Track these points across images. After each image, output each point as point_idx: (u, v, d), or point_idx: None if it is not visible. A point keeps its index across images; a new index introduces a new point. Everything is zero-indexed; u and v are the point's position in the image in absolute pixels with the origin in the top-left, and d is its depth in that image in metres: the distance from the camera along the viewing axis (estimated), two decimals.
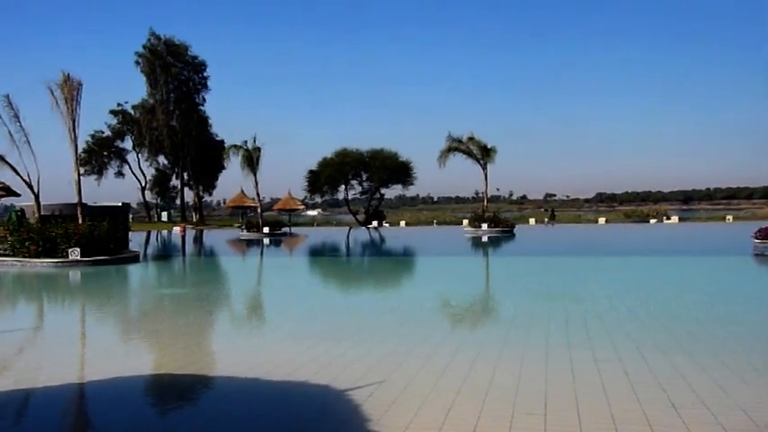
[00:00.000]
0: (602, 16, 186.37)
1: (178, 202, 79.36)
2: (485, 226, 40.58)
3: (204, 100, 75.49)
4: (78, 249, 20.83)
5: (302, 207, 70.24)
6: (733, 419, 4.87)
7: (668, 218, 57.71)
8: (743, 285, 15.29)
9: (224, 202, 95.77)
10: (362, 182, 62.11)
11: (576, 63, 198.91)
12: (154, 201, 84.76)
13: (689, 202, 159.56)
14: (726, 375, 6.28)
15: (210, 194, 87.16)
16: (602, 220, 58.94)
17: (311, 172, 61.69)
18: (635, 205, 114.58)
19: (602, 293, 13.13)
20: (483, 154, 42.92)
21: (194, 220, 73.00)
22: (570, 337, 8.55)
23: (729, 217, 56.36)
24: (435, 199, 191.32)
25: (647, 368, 6.58)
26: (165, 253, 33.85)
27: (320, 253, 31.68)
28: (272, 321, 11.62)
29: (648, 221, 57.00)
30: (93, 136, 74.86)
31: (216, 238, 46.72)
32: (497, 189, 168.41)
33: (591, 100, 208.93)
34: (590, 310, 10.73)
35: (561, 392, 5.72)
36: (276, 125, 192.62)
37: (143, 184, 79.19)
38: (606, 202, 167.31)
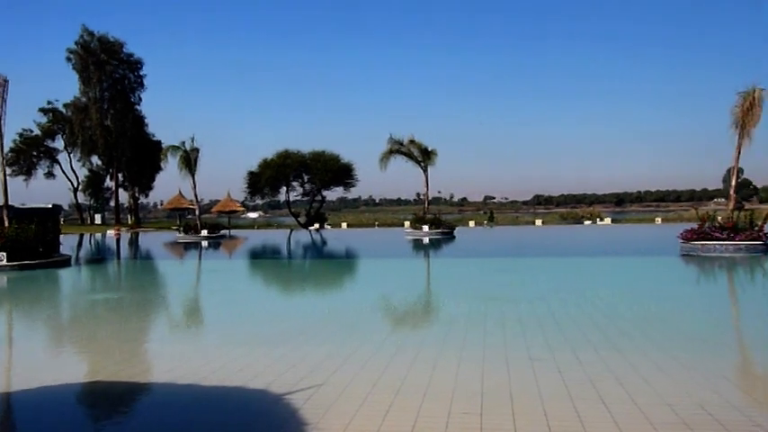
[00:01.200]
0: (538, 21, 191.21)
1: (112, 203, 76.92)
2: (426, 228, 40.95)
3: (140, 99, 73.56)
4: (4, 254, 19.93)
5: (242, 209, 69.12)
6: (659, 413, 5.06)
7: (602, 219, 59.65)
8: (669, 284, 15.94)
9: (161, 204, 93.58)
10: (304, 184, 61.64)
11: (514, 66, 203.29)
12: (87, 203, 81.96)
13: (621, 204, 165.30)
14: (653, 371, 6.53)
15: (147, 196, 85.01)
16: (538, 222, 60.40)
17: (251, 173, 60.79)
18: (570, 207, 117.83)
19: (538, 294, 13.44)
20: (424, 156, 43.28)
21: (130, 222, 70.91)
22: (506, 336, 8.73)
23: (658, 219, 58.75)
24: (377, 201, 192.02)
25: (579, 365, 6.78)
26: (99, 256, 32.77)
27: (260, 255, 31.31)
28: (209, 326, 11.40)
29: (583, 223, 58.77)
30: (21, 135, 71.89)
31: (152, 240, 45.52)
32: (438, 191, 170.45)
33: (529, 104, 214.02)
34: (526, 310, 10.97)
35: (497, 391, 5.83)
36: (216, 126, 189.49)
37: (75, 186, 76.51)
38: (543, 204, 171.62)
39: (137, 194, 76.65)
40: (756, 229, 22.38)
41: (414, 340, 9.14)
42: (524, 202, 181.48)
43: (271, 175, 59.08)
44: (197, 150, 41.74)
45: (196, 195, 43.38)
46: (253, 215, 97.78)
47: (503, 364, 6.93)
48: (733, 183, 25.98)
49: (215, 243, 39.66)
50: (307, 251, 34.93)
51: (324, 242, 41.32)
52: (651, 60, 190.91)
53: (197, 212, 44.61)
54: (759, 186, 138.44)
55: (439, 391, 5.83)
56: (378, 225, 63.39)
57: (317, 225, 58.02)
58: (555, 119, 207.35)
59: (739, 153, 23.97)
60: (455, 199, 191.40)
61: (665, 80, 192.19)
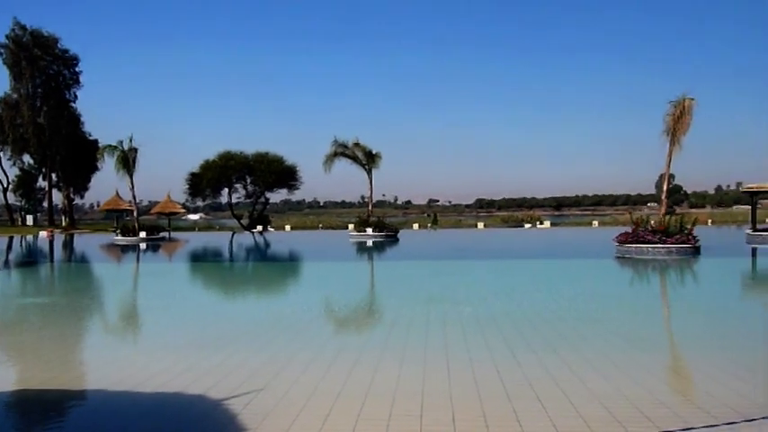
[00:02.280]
0: (478, 26, 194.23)
1: (46, 204, 74.00)
2: (370, 230, 41.03)
3: (76, 96, 71.06)
4: None
5: (183, 211, 67.52)
6: (592, 411, 5.22)
7: (541, 223, 61.03)
8: (604, 286, 16.46)
9: (97, 206, 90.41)
10: (247, 185, 60.77)
11: (457, 71, 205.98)
12: (18, 203, 78.56)
13: (560, 208, 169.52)
14: (587, 370, 6.73)
15: (82, 197, 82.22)
16: (480, 225, 61.33)
17: (193, 174, 59.51)
18: (511, 211, 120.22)
19: (479, 296, 13.67)
20: (368, 159, 43.34)
21: (64, 224, 68.37)
22: (448, 338, 8.84)
23: (595, 222, 60.59)
24: (322, 203, 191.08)
25: (517, 366, 6.92)
26: (30, 259, 31.48)
27: (201, 258, 30.71)
28: (146, 331, 11.11)
29: (523, 226, 60.03)
30: None
31: (88, 243, 44.07)
32: (383, 194, 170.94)
33: (471, 108, 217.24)
34: (467, 312, 11.13)
35: (437, 392, 5.89)
36: (157, 126, 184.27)
37: (5, 185, 73.21)
38: (485, 207, 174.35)
39: (71, 195, 73.95)
40: (686, 232, 23.37)
41: (356, 343, 9.15)
42: (467, 206, 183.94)
43: (213, 177, 58.01)
44: (135, 150, 40.62)
45: (134, 196, 42.26)
46: (194, 217, 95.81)
47: (443, 366, 7.01)
48: (665, 188, 27.03)
49: (154, 245, 38.67)
50: (249, 254, 34.48)
51: (267, 245, 40.86)
52: (589, 68, 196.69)
53: (135, 214, 43.42)
54: (689, 192, 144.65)
55: (380, 394, 5.85)
56: (322, 228, 63.11)
57: (260, 227, 57.29)
58: (496, 124, 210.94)
59: (670, 159, 24.93)
60: (399, 202, 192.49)
61: (603, 87, 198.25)
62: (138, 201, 43.17)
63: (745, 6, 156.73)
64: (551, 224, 60.26)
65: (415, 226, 61.15)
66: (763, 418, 4.92)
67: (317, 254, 32.76)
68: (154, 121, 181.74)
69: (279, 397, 5.82)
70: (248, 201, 63.05)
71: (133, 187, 41.20)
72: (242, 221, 61.97)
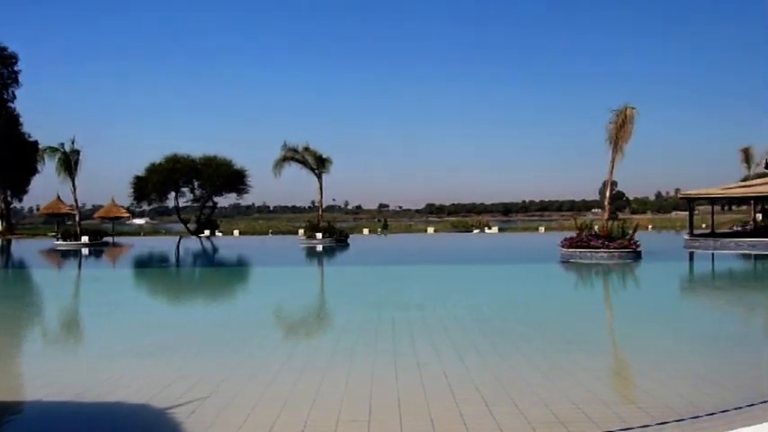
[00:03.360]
0: (428, 32, 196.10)
1: None
2: (320, 236, 40.86)
3: (14, 96, 68.41)
4: None
5: (127, 215, 65.89)
6: (537, 413, 5.30)
7: (489, 228, 61.91)
8: (549, 290, 16.80)
9: (37, 209, 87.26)
10: (194, 189, 59.65)
11: (407, 77, 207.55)
12: None
13: (508, 213, 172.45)
14: (532, 373, 6.85)
15: (21, 200, 78.89)
16: (430, 230, 61.81)
17: (138, 178, 58.07)
18: (461, 216, 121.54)
19: (428, 300, 13.76)
20: (318, 164, 43.23)
21: (1, 228, 65.72)
22: (396, 343, 8.85)
23: (541, 228, 61.81)
24: (271, 208, 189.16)
25: (464, 369, 7.00)
26: None
27: (146, 264, 29.98)
28: (88, 339, 10.78)
29: (472, 231, 60.77)
30: None
31: (26, 248, 42.47)
32: (333, 199, 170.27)
33: (421, 114, 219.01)
34: (416, 317, 11.19)
35: (385, 397, 5.89)
36: (100, 128, 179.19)
37: None
38: (435, 213, 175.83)
39: (9, 198, 71.10)
40: (628, 237, 24.10)
41: (304, 349, 9.09)
42: (417, 211, 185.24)
43: (159, 180, 56.74)
44: (77, 152, 39.47)
45: (76, 200, 41.03)
46: (139, 221, 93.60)
47: (391, 370, 7.02)
48: (607, 194, 27.84)
49: (97, 251, 37.58)
50: (196, 259, 33.85)
51: (214, 250, 40.23)
52: (536, 76, 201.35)
53: (77, 218, 42.12)
54: (631, 198, 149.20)
55: (327, 400, 5.82)
56: (272, 233, 62.47)
57: (207, 232, 56.35)
58: (447, 130, 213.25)
59: (613, 167, 25.69)
60: (350, 207, 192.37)
61: (549, 95, 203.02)
62: (80, 204, 42.02)
63: (684, 21, 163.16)
64: (499, 229, 61.24)
65: (366, 231, 61.21)
66: (693, 418, 5.10)
67: (266, 259, 32.43)
68: (97, 122, 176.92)
69: (224, 405, 5.72)
70: (196, 205, 61.94)
71: (75, 190, 40.05)
72: (189, 226, 60.80)
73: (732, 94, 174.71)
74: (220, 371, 7.15)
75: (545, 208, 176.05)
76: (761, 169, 41.87)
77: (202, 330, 10.66)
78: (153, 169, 57.10)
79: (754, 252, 26.36)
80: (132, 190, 58.64)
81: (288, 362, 7.68)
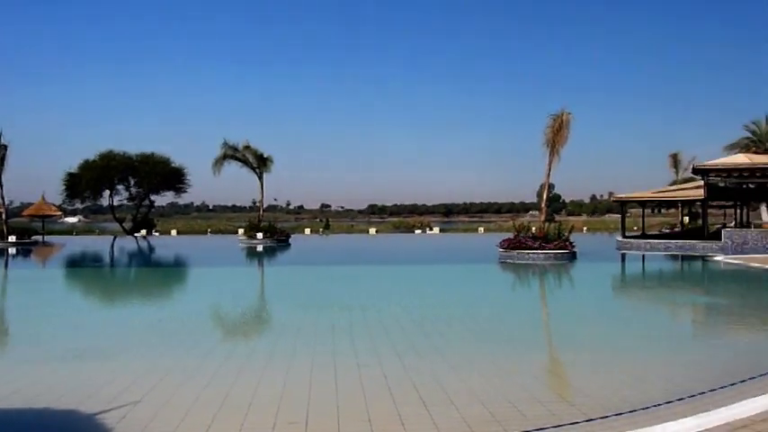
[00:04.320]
0: (370, 32, 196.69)
1: None
2: (260, 235, 40.37)
3: None
4: None
5: (59, 213, 63.23)
6: (474, 413, 5.37)
7: (431, 229, 62.59)
8: (488, 290, 17.09)
9: None
10: (130, 187, 57.87)
11: (349, 76, 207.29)
12: None
13: (449, 214, 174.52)
14: (470, 372, 6.95)
15: None
16: (372, 231, 61.96)
17: (70, 175, 55.88)
18: (403, 217, 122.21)
19: (369, 301, 13.78)
20: (259, 163, 42.69)
21: None
22: (336, 344, 8.82)
23: (481, 229, 62.93)
24: (211, 207, 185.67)
25: (403, 370, 7.02)
26: None
27: (77, 264, 28.92)
28: (12, 343, 10.31)
29: (414, 232, 61.24)
30: None
31: None
32: (275, 199, 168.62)
33: (363, 114, 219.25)
34: (356, 317, 11.19)
35: (323, 399, 5.86)
36: (30, 123, 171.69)
37: None
38: (378, 213, 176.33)
39: None
40: (564, 238, 24.77)
41: (242, 351, 8.94)
42: (360, 211, 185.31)
43: (92, 178, 54.72)
44: (5, 147, 37.75)
45: (3, 197, 39.22)
46: (72, 220, 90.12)
47: (331, 372, 6.98)
48: (545, 197, 28.52)
49: (25, 250, 36.03)
50: (131, 259, 32.89)
51: (151, 249, 39.19)
52: (476, 79, 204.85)
53: (4, 216, 40.24)
54: (567, 200, 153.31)
55: (265, 402, 5.73)
56: (211, 232, 61.35)
57: (143, 231, 54.84)
58: (389, 131, 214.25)
59: (550, 170, 26.36)
60: (292, 207, 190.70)
61: (489, 99, 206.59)
62: (7, 202, 40.20)
63: (621, 30, 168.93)
64: (440, 230, 61.97)
65: (308, 231, 60.90)
66: (617, 414, 5.27)
67: (204, 259, 31.80)
68: (27, 117, 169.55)
69: (157, 409, 5.56)
70: (132, 203, 60.09)
71: (2, 187, 38.29)
72: (125, 225, 58.96)
73: (662, 101, 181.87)
74: (154, 374, 6.95)
75: (485, 209, 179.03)
76: (688, 174, 43.72)
77: (136, 332, 10.34)
78: (87, 166, 55.04)
79: (681, 253, 27.52)
80: (64, 187, 56.39)
81: (225, 364, 7.54)
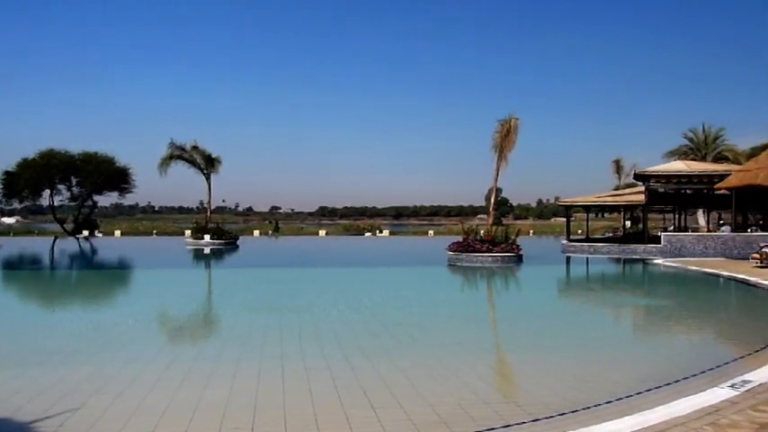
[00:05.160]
0: (319, 35, 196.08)
1: None
2: (207, 237, 39.70)
3: None
4: None
5: None
6: (422, 415, 5.39)
7: (381, 231, 62.78)
8: (436, 292, 17.24)
9: None
10: (72, 187, 55.96)
11: (299, 79, 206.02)
12: None
13: (399, 217, 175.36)
14: (419, 375, 6.97)
15: None
16: (322, 233, 61.75)
17: (8, 173, 53.71)
18: (353, 219, 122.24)
19: (318, 303, 13.69)
20: (207, 163, 41.96)
21: None
22: (284, 347, 8.74)
23: (431, 232, 63.46)
24: (157, 208, 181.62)
25: (351, 373, 7.00)
26: None
27: (14, 266, 27.82)
28: None
29: (364, 234, 61.30)
30: None
31: None
32: (223, 200, 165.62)
33: (314, 116, 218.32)
34: (305, 321, 11.11)
35: (270, 403, 5.79)
36: None
37: None
38: (328, 215, 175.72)
39: None
40: (511, 242, 25.18)
41: (187, 355, 8.74)
42: (310, 214, 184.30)
43: (32, 177, 52.66)
44: None
45: None
46: (9, 220, 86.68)
47: (278, 375, 6.91)
48: (492, 200, 28.92)
49: None
50: (73, 261, 31.84)
51: (93, 251, 38.04)
52: (424, 84, 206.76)
53: None
54: (515, 204, 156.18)
55: (210, 408, 5.62)
56: (156, 234, 59.99)
57: (86, 233, 53.17)
58: (339, 133, 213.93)
59: (498, 174, 26.76)
60: (240, 208, 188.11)
61: (439, 103, 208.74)
62: None
63: (568, 36, 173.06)
64: (390, 233, 62.21)
65: (256, 233, 60.22)
66: (561, 414, 5.38)
67: (150, 261, 31.06)
68: None
69: (97, 417, 5.39)
70: (73, 204, 58.16)
71: None
72: (66, 226, 57.02)
73: (607, 108, 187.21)
74: (94, 380, 6.74)
75: (435, 213, 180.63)
76: (630, 180, 45.13)
77: (76, 337, 9.99)
78: (25, 165, 52.95)
79: (623, 256, 28.35)
80: (1, 187, 54.16)
81: (169, 369, 7.36)
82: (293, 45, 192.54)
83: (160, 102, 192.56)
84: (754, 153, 39.57)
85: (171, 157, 41.56)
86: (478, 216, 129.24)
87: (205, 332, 11.07)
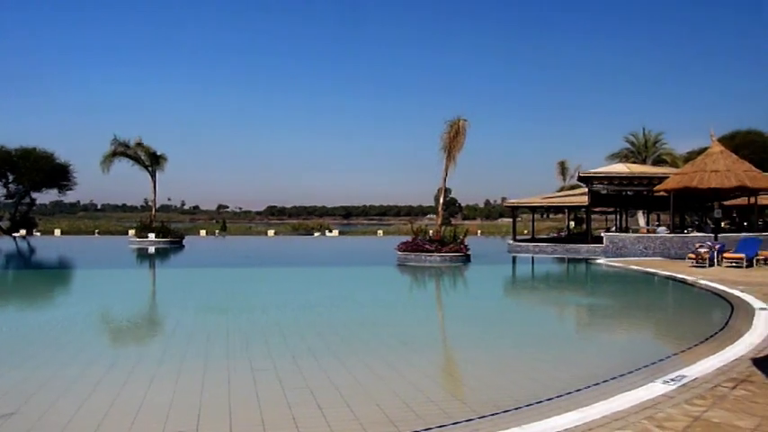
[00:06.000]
0: (269, 32, 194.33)
1: None
2: (152, 236, 38.81)
3: None
4: None
5: None
6: (369, 414, 5.40)
7: (330, 231, 62.58)
8: (385, 292, 17.28)
9: None
10: (8, 184, 53.93)
11: (249, 76, 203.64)
12: None
13: (349, 217, 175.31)
14: (366, 374, 6.99)
15: None
16: (271, 233, 61.14)
17: None
18: (302, 219, 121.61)
19: (265, 303, 13.55)
20: (152, 161, 41.02)
21: None
22: (230, 348, 8.61)
23: (380, 231, 63.65)
24: (99, 206, 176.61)
25: (298, 373, 6.95)
26: None
27: None
28: None
29: (313, 234, 60.98)
30: None
31: None
32: (169, 198, 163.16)
33: (261, 114, 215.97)
34: (252, 320, 10.98)
35: (216, 404, 5.70)
36: None
37: None
38: (276, 215, 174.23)
39: None
40: (459, 242, 25.47)
41: (129, 357, 8.50)
42: (258, 213, 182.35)
43: None
44: None
45: None
46: None
47: (224, 376, 6.81)
48: (441, 201, 29.19)
49: None
50: (8, 260, 30.60)
51: (31, 250, 36.65)
52: (374, 85, 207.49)
53: None
54: (463, 205, 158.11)
55: (153, 410, 5.49)
56: (98, 233, 58.26)
57: (23, 231, 51.23)
58: (288, 132, 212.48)
59: (446, 175, 27.00)
60: (187, 207, 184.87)
61: (389, 104, 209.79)
62: None
63: (517, 40, 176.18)
64: (340, 232, 62.08)
65: (203, 232, 59.22)
66: (505, 411, 5.48)
67: (91, 261, 30.12)
68: None
69: (33, 422, 5.19)
70: (10, 201, 55.99)
71: None
72: (1, 224, 54.82)
73: (553, 111, 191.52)
74: (30, 383, 6.50)
75: (384, 212, 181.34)
76: (575, 181, 46.29)
77: (13, 339, 9.61)
78: None
79: (567, 256, 29.05)
80: None
81: (110, 371, 7.14)
82: (241, 43, 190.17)
83: (105, 98, 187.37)
84: (690, 157, 41.16)
85: (114, 154, 40.45)
86: (428, 216, 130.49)
87: (148, 333, 10.79)
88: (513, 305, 15.62)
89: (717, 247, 19.95)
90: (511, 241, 34.72)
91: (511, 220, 43.05)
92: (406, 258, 24.68)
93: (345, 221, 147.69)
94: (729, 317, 10.31)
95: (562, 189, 53.56)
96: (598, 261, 24.78)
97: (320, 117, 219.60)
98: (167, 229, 41.02)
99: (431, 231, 26.95)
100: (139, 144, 40.84)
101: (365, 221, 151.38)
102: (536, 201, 38.13)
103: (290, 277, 21.22)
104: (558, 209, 49.39)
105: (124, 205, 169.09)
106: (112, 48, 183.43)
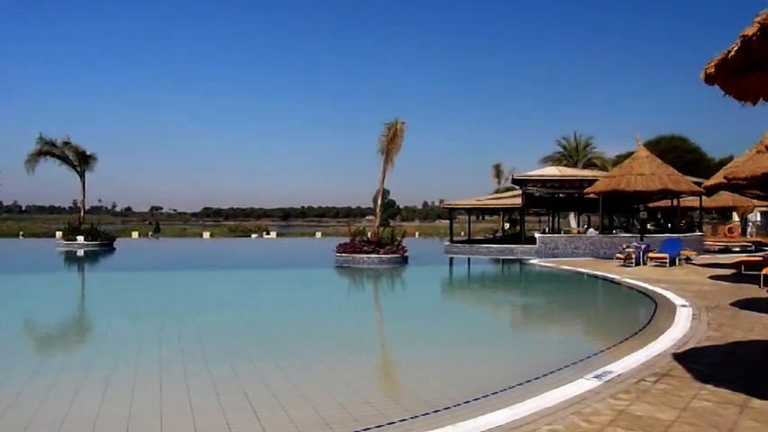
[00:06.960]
0: (208, 36, 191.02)
1: None
2: (81, 239, 37.43)
3: None
4: None
5: None
6: (304, 417, 5.37)
7: (268, 233, 61.90)
8: (322, 294, 17.23)
9: None
10: None
11: (183, 73, 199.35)
12: None
13: (287, 218, 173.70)
14: (302, 377, 6.94)
15: None
16: (206, 235, 59.97)
17: None
18: (239, 220, 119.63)
19: (200, 307, 13.29)
20: (81, 161, 39.55)
21: None
22: (162, 354, 8.39)
23: (319, 233, 63.39)
24: (24, 208, 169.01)
25: (234, 377, 6.85)
26: None
27: None
28: None
29: (250, 236, 60.15)
30: None
31: None
32: (99, 200, 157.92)
33: (197, 114, 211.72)
34: (186, 326, 10.73)
35: (146, 413, 5.54)
36: None
37: None
38: (212, 216, 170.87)
39: None
40: (396, 243, 25.64)
41: (53, 366, 8.14)
42: (194, 214, 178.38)
43: None
44: None
45: None
46: None
47: (156, 383, 6.63)
48: (379, 202, 29.33)
49: None
50: None
51: None
52: (312, 87, 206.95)
53: None
54: (402, 206, 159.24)
55: (78, 422, 5.31)
56: (23, 235, 55.74)
57: None
58: (224, 133, 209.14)
59: (384, 176, 27.15)
60: (118, 208, 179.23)
61: (327, 106, 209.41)
62: None
63: (453, 44, 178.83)
64: (278, 234, 61.50)
65: (135, 234, 57.54)
66: (439, 410, 5.56)
67: (14, 264, 28.75)
68: None
69: None
70: None
71: None
72: None
73: (489, 114, 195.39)
74: None
75: (323, 214, 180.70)
76: (509, 183, 47.36)
77: None
78: None
79: (501, 257, 29.66)
80: None
81: (33, 381, 6.85)
82: (178, 43, 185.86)
83: (33, 97, 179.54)
84: (618, 160, 42.73)
85: (40, 153, 38.79)
86: (366, 217, 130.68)
87: (74, 340, 10.38)
88: (449, 305, 15.84)
89: (642, 247, 20.77)
90: (447, 243, 35.17)
91: (448, 221, 43.63)
92: (345, 260, 24.68)
93: (284, 223, 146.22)
94: (653, 314, 10.75)
95: (497, 191, 54.70)
96: (531, 261, 25.38)
97: (259, 119, 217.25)
98: (97, 232, 39.60)
99: (369, 233, 27.02)
100: (67, 143, 39.31)
101: (304, 223, 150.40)
102: (472, 203, 38.80)
103: (224, 280, 20.86)
104: (493, 210, 50.39)
105: (51, 207, 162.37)
106: (38, 45, 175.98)
